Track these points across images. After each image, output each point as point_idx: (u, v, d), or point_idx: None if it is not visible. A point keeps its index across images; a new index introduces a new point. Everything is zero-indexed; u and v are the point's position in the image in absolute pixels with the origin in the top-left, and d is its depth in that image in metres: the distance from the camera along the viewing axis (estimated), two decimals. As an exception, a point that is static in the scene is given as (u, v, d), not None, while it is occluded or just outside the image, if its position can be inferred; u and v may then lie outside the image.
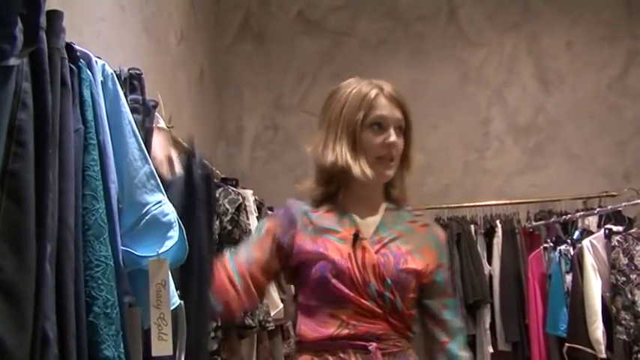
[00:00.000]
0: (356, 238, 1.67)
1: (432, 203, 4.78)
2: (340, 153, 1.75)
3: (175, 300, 1.49)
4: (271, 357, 3.01)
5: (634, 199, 3.62)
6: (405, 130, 1.83)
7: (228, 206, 2.63)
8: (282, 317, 3.03)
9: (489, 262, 4.35)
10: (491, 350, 4.22)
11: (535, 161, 5.06)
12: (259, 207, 3.20)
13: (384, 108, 1.78)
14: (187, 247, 1.47)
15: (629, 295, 3.25)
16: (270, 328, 2.75)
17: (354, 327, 1.59)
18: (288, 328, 3.27)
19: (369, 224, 1.74)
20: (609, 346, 3.30)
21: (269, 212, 3.45)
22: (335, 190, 1.81)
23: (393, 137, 1.75)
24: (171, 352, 1.39)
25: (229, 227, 2.60)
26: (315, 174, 1.92)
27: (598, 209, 3.89)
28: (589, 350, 3.29)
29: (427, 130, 5.13)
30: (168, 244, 1.41)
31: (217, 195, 2.63)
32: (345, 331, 1.58)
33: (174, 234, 1.43)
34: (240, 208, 2.68)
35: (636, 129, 5.04)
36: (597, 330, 3.28)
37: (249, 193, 2.97)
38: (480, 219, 4.68)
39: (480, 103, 5.16)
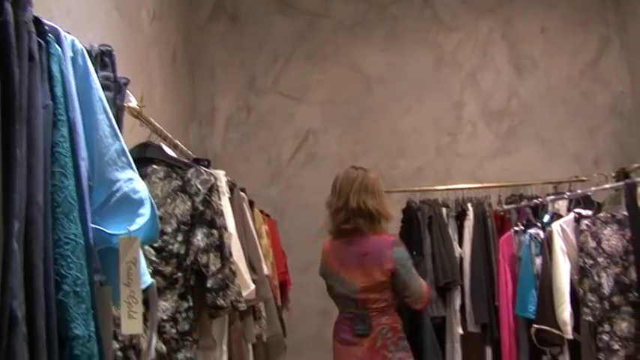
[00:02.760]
0: None
1: (404, 186, 4.82)
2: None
3: (147, 279, 1.48)
4: (243, 337, 3.01)
5: (603, 184, 3.66)
6: None
7: (200, 187, 2.60)
8: (254, 298, 3.02)
9: (460, 244, 4.39)
10: (460, 332, 4.26)
11: (507, 145, 5.10)
12: (231, 188, 3.17)
13: None
14: (159, 225, 1.46)
15: (596, 278, 3.30)
16: (241, 309, 2.73)
17: None
18: (259, 309, 3.27)
19: None
20: (576, 328, 3.34)
21: (242, 193, 3.44)
22: None
23: None
24: (141, 331, 1.38)
25: (201, 208, 2.58)
26: None
27: (568, 194, 3.93)
28: (556, 331, 3.33)
29: (400, 113, 5.15)
30: (140, 221, 1.39)
31: (189, 176, 2.61)
32: None
33: (146, 212, 1.41)
34: (213, 189, 2.65)
35: (607, 115, 5.10)
36: (565, 312, 3.32)
37: (221, 174, 2.94)
38: (451, 202, 4.72)
39: (454, 86, 5.18)
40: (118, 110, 1.68)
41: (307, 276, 4.96)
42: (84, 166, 1.29)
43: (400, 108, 5.15)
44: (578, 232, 3.42)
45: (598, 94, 5.14)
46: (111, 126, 1.41)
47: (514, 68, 5.20)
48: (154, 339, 1.54)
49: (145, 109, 2.74)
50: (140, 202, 1.41)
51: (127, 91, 1.90)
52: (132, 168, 1.44)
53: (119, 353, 2.29)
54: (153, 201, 1.47)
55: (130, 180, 1.42)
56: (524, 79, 5.19)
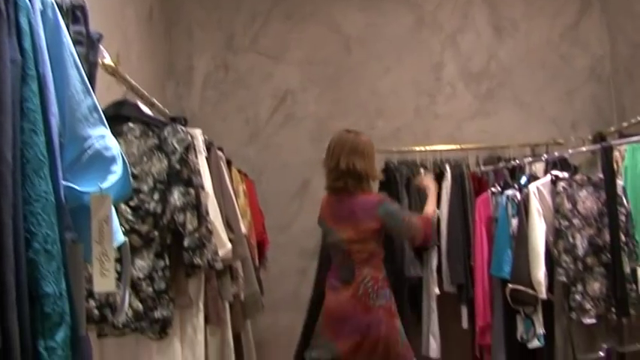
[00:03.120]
0: None
1: (383, 146, 4.81)
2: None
3: (119, 237, 1.47)
4: (219, 296, 3.01)
5: (580, 147, 3.69)
6: None
7: (176, 145, 2.58)
8: (231, 257, 3.02)
9: (438, 205, 4.40)
10: (437, 292, 4.30)
11: (486, 108, 5.10)
12: (208, 147, 3.15)
13: None
14: (132, 182, 1.44)
15: (571, 239, 3.34)
16: (218, 268, 2.74)
17: None
18: (237, 268, 3.27)
19: None
20: (549, 288, 3.39)
21: (219, 152, 3.42)
22: None
23: None
24: (113, 289, 1.37)
25: (178, 167, 2.56)
26: None
27: (545, 156, 3.96)
28: (530, 291, 3.38)
29: (379, 73, 5.12)
30: (112, 178, 1.37)
31: (166, 134, 2.59)
32: None
33: (118, 169, 1.39)
34: (189, 148, 2.63)
35: (585, 79, 5.10)
36: (539, 272, 3.36)
37: (198, 133, 2.91)
38: (429, 163, 4.73)
39: (434, 48, 5.15)
40: (91, 66, 1.64)
41: (285, 235, 4.98)
42: (54, 122, 1.27)
43: (379, 68, 5.12)
44: (555, 193, 3.45)
45: (577, 57, 5.13)
46: (82, 82, 1.38)
47: (494, 30, 5.17)
48: (127, 296, 1.54)
49: (122, 67, 2.71)
50: (112, 160, 1.39)
51: (101, 47, 1.87)
52: (104, 125, 1.42)
53: (95, 311, 2.29)
54: (125, 158, 1.45)
55: (102, 137, 1.39)
56: (504, 41, 5.17)
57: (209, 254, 2.63)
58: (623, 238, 3.30)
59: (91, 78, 1.60)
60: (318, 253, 4.66)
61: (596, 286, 3.32)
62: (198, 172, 2.68)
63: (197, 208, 2.58)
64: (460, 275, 4.25)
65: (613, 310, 3.29)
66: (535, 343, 3.44)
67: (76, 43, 1.51)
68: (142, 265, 2.47)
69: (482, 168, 4.51)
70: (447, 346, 4.31)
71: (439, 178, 4.48)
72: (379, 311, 3.43)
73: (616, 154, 3.56)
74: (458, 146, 4.80)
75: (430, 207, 3.69)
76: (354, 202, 3.51)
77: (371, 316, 3.41)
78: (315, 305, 3.78)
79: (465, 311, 4.26)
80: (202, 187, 2.70)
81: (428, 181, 3.94)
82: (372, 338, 3.39)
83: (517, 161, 4.18)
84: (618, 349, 3.43)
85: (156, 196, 2.51)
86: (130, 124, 2.58)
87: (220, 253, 2.81)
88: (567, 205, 3.37)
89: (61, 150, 1.30)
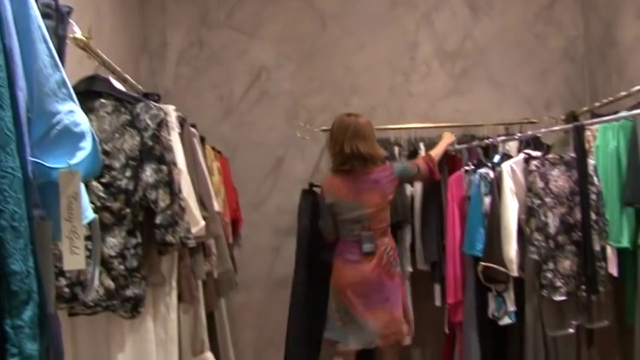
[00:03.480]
0: None
1: (358, 125, 4.80)
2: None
3: (89, 214, 1.45)
4: (192, 274, 3.00)
5: (553, 127, 3.71)
6: None
7: (149, 122, 2.56)
8: (204, 234, 3.01)
9: (411, 184, 4.41)
10: (410, 269, 4.32)
11: (460, 86, 5.11)
12: (182, 123, 3.12)
13: None
14: (101, 158, 1.42)
15: (543, 218, 3.37)
16: (191, 245, 2.73)
17: None
18: (210, 246, 3.26)
19: None
20: (521, 266, 3.42)
21: (192, 129, 3.39)
22: None
23: None
24: (83, 266, 1.36)
25: (150, 143, 2.54)
26: None
27: (518, 135, 3.98)
28: (502, 269, 3.41)
29: (354, 50, 5.10)
30: (80, 155, 1.35)
31: (138, 110, 2.56)
32: None
33: (87, 145, 1.37)
34: (162, 124, 2.61)
35: (559, 59, 5.12)
36: (511, 250, 3.39)
37: (171, 109, 2.88)
38: (404, 141, 4.74)
39: (408, 26, 5.13)
40: (60, 40, 1.61)
41: (259, 213, 4.97)
42: (22, 96, 1.24)
43: (354, 45, 5.10)
44: (527, 172, 3.48)
45: (551, 37, 5.15)
46: (51, 56, 1.35)
47: (469, 9, 5.16)
48: (97, 274, 1.52)
49: (94, 42, 2.66)
50: (81, 136, 1.37)
51: (71, 21, 1.83)
52: (73, 100, 1.39)
53: (66, 290, 2.27)
54: (95, 134, 1.42)
55: (71, 112, 1.37)
56: (480, 20, 5.16)
57: (182, 232, 2.62)
58: (593, 216, 3.34)
59: (60, 52, 1.57)
60: (293, 231, 4.67)
61: (566, 264, 3.36)
62: (170, 149, 2.66)
63: (170, 185, 2.56)
64: (433, 253, 4.28)
65: (583, 287, 3.33)
66: (506, 320, 3.48)
67: (44, 16, 1.47)
68: (113, 242, 2.45)
69: (456, 146, 4.52)
70: (419, 323, 4.34)
71: (413, 156, 4.49)
72: (397, 277, 3.88)
73: (588, 133, 3.59)
74: (432, 124, 4.81)
75: (436, 149, 4.25)
76: (374, 174, 3.87)
77: (394, 282, 3.83)
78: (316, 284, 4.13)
79: (437, 289, 4.29)
80: (175, 164, 2.68)
81: (446, 135, 4.48)
82: (400, 306, 3.84)
83: (490, 140, 4.20)
84: (587, 326, 3.48)
85: (128, 173, 2.49)
86: (102, 100, 2.55)
87: (193, 230, 2.80)
88: (540, 184, 3.39)
89: (29, 125, 1.28)
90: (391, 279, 3.81)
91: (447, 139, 4.40)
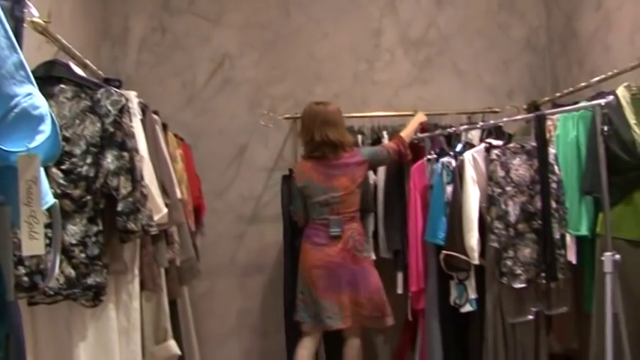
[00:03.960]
0: None
1: (321, 113, 4.79)
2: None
3: (49, 199, 1.42)
4: (155, 262, 2.98)
5: (515, 116, 3.75)
6: None
7: (110, 108, 2.53)
8: (166, 222, 2.99)
9: (375, 172, 4.43)
10: (373, 257, 4.34)
11: (424, 75, 5.13)
12: (144, 110, 3.09)
13: None
14: (61, 143, 1.39)
15: (503, 206, 3.40)
16: (153, 233, 2.71)
17: None
18: (172, 234, 3.24)
19: None
20: (482, 254, 3.46)
21: (155, 116, 3.36)
22: None
23: None
24: (42, 252, 1.34)
25: (111, 129, 2.51)
26: None
27: (481, 124, 4.01)
28: (464, 257, 3.44)
29: (318, 38, 5.09)
30: (40, 138, 1.33)
31: (99, 96, 2.52)
32: None
33: (46, 128, 1.35)
34: (123, 110, 2.58)
35: (522, 48, 5.17)
36: (473, 238, 3.42)
37: (132, 95, 2.85)
38: (367, 129, 4.75)
39: (373, 14, 5.13)
40: (17, 22, 1.57)
41: (222, 201, 4.94)
42: (-22, 79, 1.21)
43: (318, 33, 5.09)
44: (489, 161, 3.51)
45: (514, 27, 5.19)
46: (7, 37, 1.32)
47: (433, -3, 5.19)
48: (57, 261, 1.50)
49: (54, 27, 2.62)
50: (40, 119, 1.34)
51: (29, 3, 1.79)
52: (31, 82, 1.36)
53: (25, 278, 2.23)
54: (54, 117, 1.40)
55: (29, 95, 1.34)
56: (444, 8, 5.18)
57: (144, 219, 2.60)
58: (554, 205, 3.38)
59: (18, 35, 1.54)
60: (256, 218, 4.66)
61: (526, 252, 3.40)
62: (132, 136, 2.63)
63: (131, 172, 2.54)
64: (396, 241, 4.30)
65: (542, 275, 3.37)
66: (467, 308, 3.52)
67: (-1, -4, 1.44)
68: (74, 230, 2.42)
69: (419, 135, 4.55)
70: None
71: (376, 144, 4.49)
72: (365, 262, 3.97)
73: (549, 123, 3.63)
74: (395, 113, 4.82)
75: (406, 130, 4.31)
76: (343, 159, 3.95)
77: (359, 266, 3.89)
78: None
79: (400, 277, 4.32)
80: (137, 151, 2.65)
81: (419, 114, 4.49)
82: (367, 289, 3.88)
83: (453, 128, 4.23)
84: (546, 312, 3.53)
85: (89, 160, 2.46)
86: (62, 86, 2.51)
87: (155, 218, 2.78)
88: (500, 173, 3.43)
89: (-14, 109, 1.25)
90: (356, 263, 3.88)
91: (419, 118, 4.45)
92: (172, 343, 3.17)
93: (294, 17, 5.09)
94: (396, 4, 5.14)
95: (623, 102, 3.22)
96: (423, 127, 4.51)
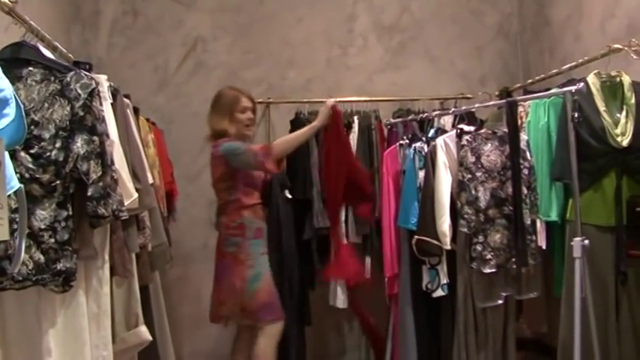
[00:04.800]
0: None
1: (294, 97, 4.81)
2: (223, 125, 3.77)
3: (14, 183, 1.40)
4: (125, 247, 2.96)
5: (487, 102, 3.77)
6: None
7: (80, 91, 2.49)
8: (137, 207, 2.96)
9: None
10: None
11: (397, 61, 5.14)
12: (114, 94, 3.05)
13: (246, 102, 3.84)
14: (26, 126, 1.37)
15: (473, 192, 3.43)
16: (123, 218, 2.68)
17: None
18: (143, 219, 3.22)
19: None
20: (454, 239, 3.48)
21: (126, 100, 3.32)
22: None
23: (251, 115, 3.88)
24: (7, 237, 1.32)
25: (81, 113, 2.48)
26: (210, 134, 3.84)
27: (453, 109, 4.02)
28: (436, 242, 3.46)
29: (292, 23, 5.07)
30: (4, 121, 1.31)
31: (69, 79, 2.49)
32: (259, 201, 3.82)
33: (11, 111, 1.33)
34: (94, 94, 2.54)
35: (494, 35, 5.20)
36: (444, 223, 3.44)
37: (102, 79, 2.82)
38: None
39: (347, -1, 5.13)
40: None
41: (195, 186, 4.92)
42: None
43: (292, 18, 5.07)
44: (460, 147, 3.52)
45: (486, 14, 5.21)
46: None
47: (407, -17, 5.19)
48: (23, 246, 1.48)
49: (21, 8, 2.57)
50: (4, 102, 1.32)
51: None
52: (-6, 65, 1.34)
53: (-8, 263, 2.20)
54: (19, 100, 1.38)
55: (-7, 78, 1.32)
56: (417, -6, 5.19)
57: (114, 204, 2.57)
58: (525, 190, 3.41)
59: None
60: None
61: (497, 237, 3.43)
62: (102, 120, 2.60)
63: (101, 156, 2.51)
64: (365, 226, 4.32)
65: (513, 260, 3.41)
66: (439, 293, 3.54)
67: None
68: (43, 215, 2.39)
69: (392, 120, 4.55)
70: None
71: (347, 129, 4.48)
72: (227, 257, 3.72)
73: (520, 109, 3.67)
74: (368, 98, 4.83)
75: (298, 131, 3.87)
76: (212, 149, 3.75)
77: (222, 263, 3.75)
78: None
79: (368, 261, 4.34)
80: (107, 135, 2.62)
81: (324, 107, 3.91)
82: (226, 287, 3.69)
83: (426, 114, 4.24)
84: (516, 297, 3.57)
85: (58, 144, 2.42)
86: (31, 68, 2.47)
87: (126, 202, 2.75)
88: (471, 159, 3.45)
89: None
90: (221, 259, 3.78)
91: (322, 115, 3.90)
92: (143, 329, 3.15)
93: (269, 2, 5.07)
94: (369, -11, 5.13)
95: (594, 89, 3.25)
96: (336, 118, 3.97)
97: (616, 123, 3.21)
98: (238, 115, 3.79)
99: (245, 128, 3.82)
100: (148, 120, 4.19)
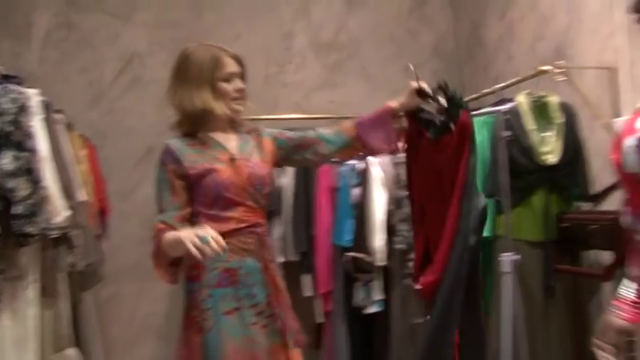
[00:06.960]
0: (233, 160, 2.38)
1: (231, 114, 4.76)
2: (205, 100, 2.43)
3: None
4: (55, 267, 2.89)
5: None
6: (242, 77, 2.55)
7: (8, 106, 2.44)
8: (68, 225, 2.90)
9: (281, 173, 4.42)
10: (282, 259, 4.33)
11: (334, 78, 5.17)
12: (46, 109, 2.99)
13: (231, 65, 2.53)
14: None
15: (407, 209, 3.47)
16: (53, 236, 2.63)
17: (247, 220, 2.32)
18: (74, 237, 3.15)
19: (234, 148, 2.45)
20: (389, 255, 3.51)
21: (59, 115, 3.26)
22: (196, 128, 2.48)
23: (240, 85, 2.54)
24: None
25: (9, 129, 2.43)
26: (180, 118, 2.58)
27: (388, 127, 4.06)
28: (369, 259, 3.48)
29: (230, 39, 5.04)
30: None
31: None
32: (242, 225, 2.31)
33: None
34: (23, 109, 2.50)
35: (430, 54, 5.29)
36: (377, 240, 3.47)
37: (32, 93, 2.76)
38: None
39: (285, 16, 5.15)
40: None
41: (128, 203, 4.84)
42: None
43: (230, 34, 5.05)
44: (395, 164, 3.57)
45: (423, 33, 5.30)
46: None
47: (345, 1, 5.23)
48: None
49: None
50: None
51: None
52: None
53: None
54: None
55: None
56: (355, 12, 5.24)
57: (43, 222, 2.52)
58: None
59: None
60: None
61: (430, 254, 3.47)
62: (31, 135, 2.56)
63: (30, 173, 2.46)
64: (303, 243, 4.31)
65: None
66: (372, 309, 3.56)
67: None
68: (-34, 233, 2.33)
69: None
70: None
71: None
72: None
73: (454, 127, 3.72)
74: (305, 115, 4.84)
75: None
76: None
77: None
78: None
79: (307, 279, 4.34)
80: (36, 151, 2.57)
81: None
82: None
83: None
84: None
85: (-17, 161, 2.37)
86: (-45, 82, 2.41)
87: (56, 220, 2.70)
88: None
89: None
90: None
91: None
92: (72, 352, 3.07)
93: (206, 17, 5.05)
94: (309, 6, 5.17)
95: (523, 109, 3.33)
96: None
97: (544, 142, 3.29)
98: (221, 86, 2.47)
99: (233, 102, 2.49)
100: (81, 136, 4.12)
